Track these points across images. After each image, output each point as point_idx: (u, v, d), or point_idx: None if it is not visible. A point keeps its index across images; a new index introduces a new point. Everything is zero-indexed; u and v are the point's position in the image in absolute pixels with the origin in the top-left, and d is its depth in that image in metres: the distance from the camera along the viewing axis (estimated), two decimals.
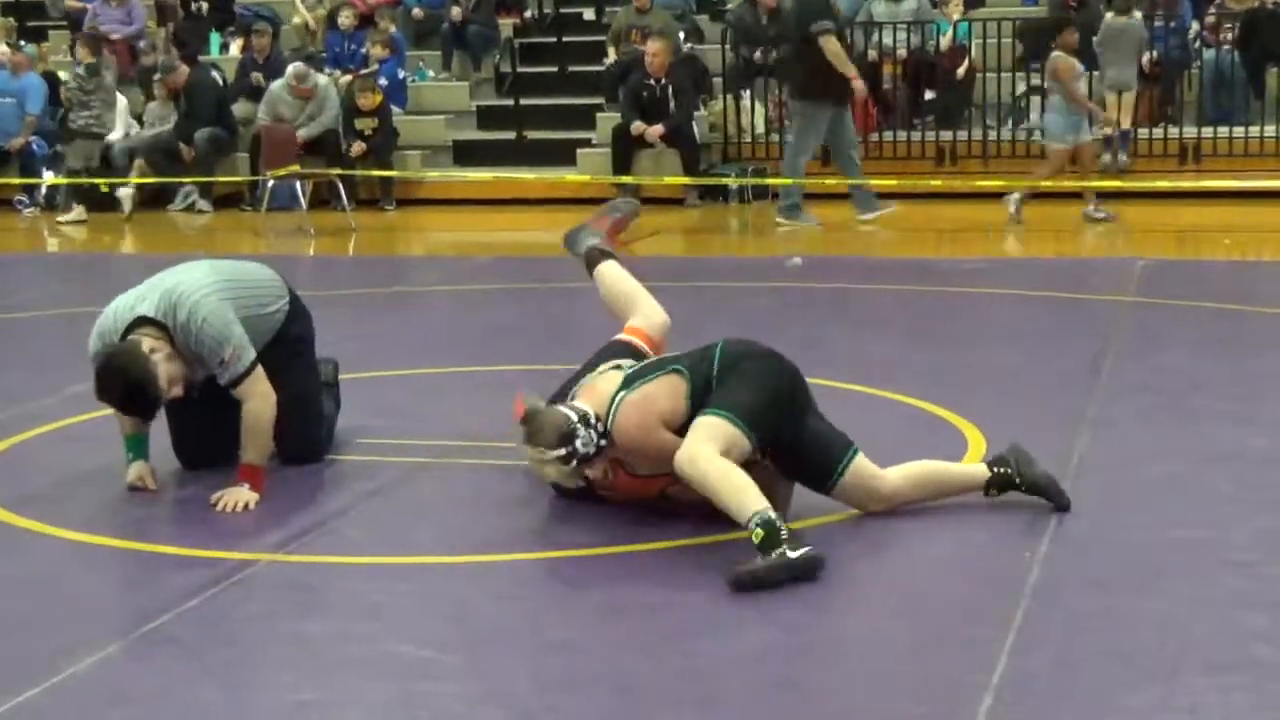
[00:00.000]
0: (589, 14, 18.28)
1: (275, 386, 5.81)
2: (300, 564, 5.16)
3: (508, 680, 4.23)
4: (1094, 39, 14.85)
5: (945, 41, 15.93)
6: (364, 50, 17.04)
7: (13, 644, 4.50)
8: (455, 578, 5.06)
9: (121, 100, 16.43)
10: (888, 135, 15.46)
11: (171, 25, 18.16)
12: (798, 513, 5.25)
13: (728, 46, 16.07)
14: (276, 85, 15.57)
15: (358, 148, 15.46)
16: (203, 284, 5.77)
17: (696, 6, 17.74)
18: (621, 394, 5.25)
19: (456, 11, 17.45)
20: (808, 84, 13.19)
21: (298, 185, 14.92)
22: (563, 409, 5.22)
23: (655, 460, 5.25)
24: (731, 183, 15.16)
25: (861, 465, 5.29)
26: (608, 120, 15.74)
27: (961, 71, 15.76)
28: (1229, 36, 15.50)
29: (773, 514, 4.80)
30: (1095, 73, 14.98)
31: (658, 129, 15.04)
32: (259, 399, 5.75)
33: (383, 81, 16.14)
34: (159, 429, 6.02)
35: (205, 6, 18.52)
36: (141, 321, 5.67)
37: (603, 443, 5.17)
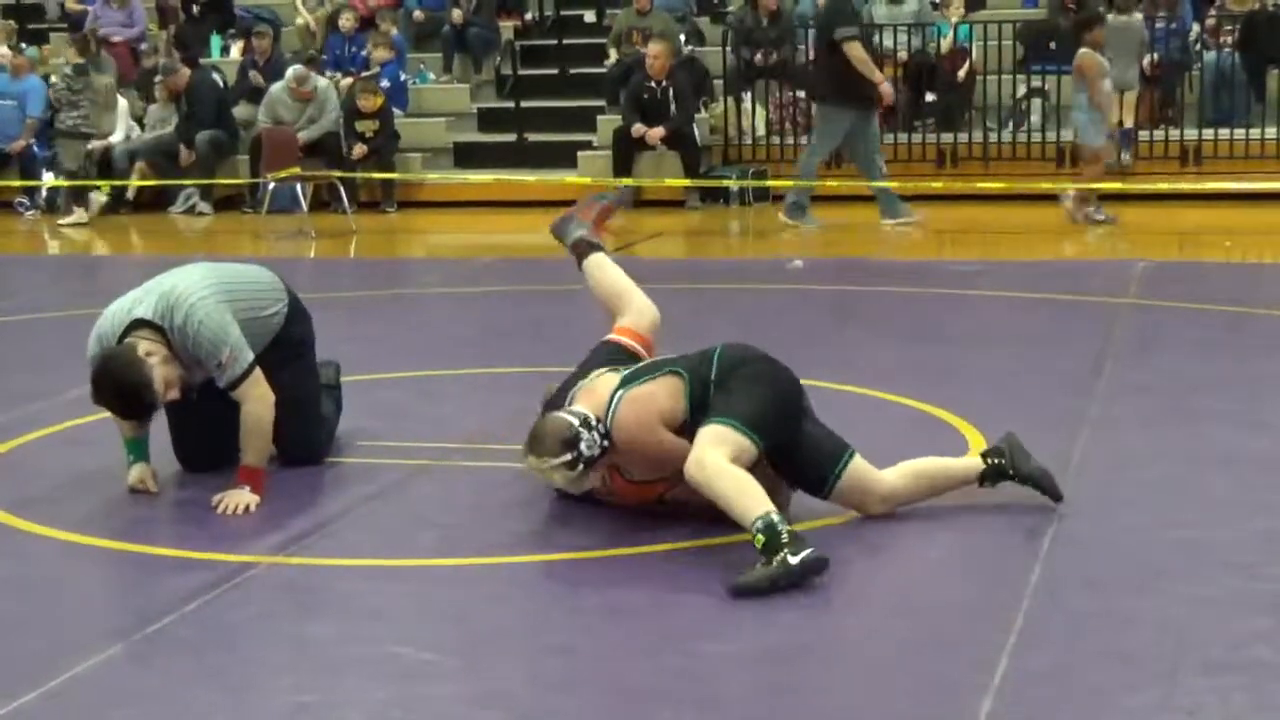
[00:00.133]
0: (590, 16, 18.30)
1: (275, 389, 5.81)
2: (300, 566, 5.16)
3: (507, 682, 4.23)
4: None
5: (945, 44, 15.93)
6: (365, 53, 17.04)
7: (12, 646, 4.50)
8: (455, 580, 5.06)
9: (122, 103, 16.44)
10: (888, 138, 15.43)
11: (173, 27, 18.17)
12: (797, 515, 5.24)
13: (728, 49, 16.08)
14: (276, 88, 15.57)
15: (359, 150, 15.47)
16: (200, 286, 5.77)
17: (697, 9, 17.75)
18: (620, 391, 5.25)
19: (457, 14, 17.46)
20: (830, 88, 13.20)
21: (298, 187, 14.92)
22: (563, 415, 5.21)
23: (653, 459, 5.24)
24: (732, 185, 15.16)
25: (858, 468, 5.28)
26: (608, 122, 15.75)
27: (962, 74, 15.76)
28: (1230, 40, 15.50)
29: (776, 518, 4.78)
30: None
31: (658, 131, 15.05)
32: (257, 401, 5.75)
33: (384, 84, 16.15)
34: (159, 430, 6.02)
35: (200, 8, 18.52)
36: (138, 324, 5.67)
37: (605, 443, 5.17)
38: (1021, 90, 15.68)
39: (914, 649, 4.34)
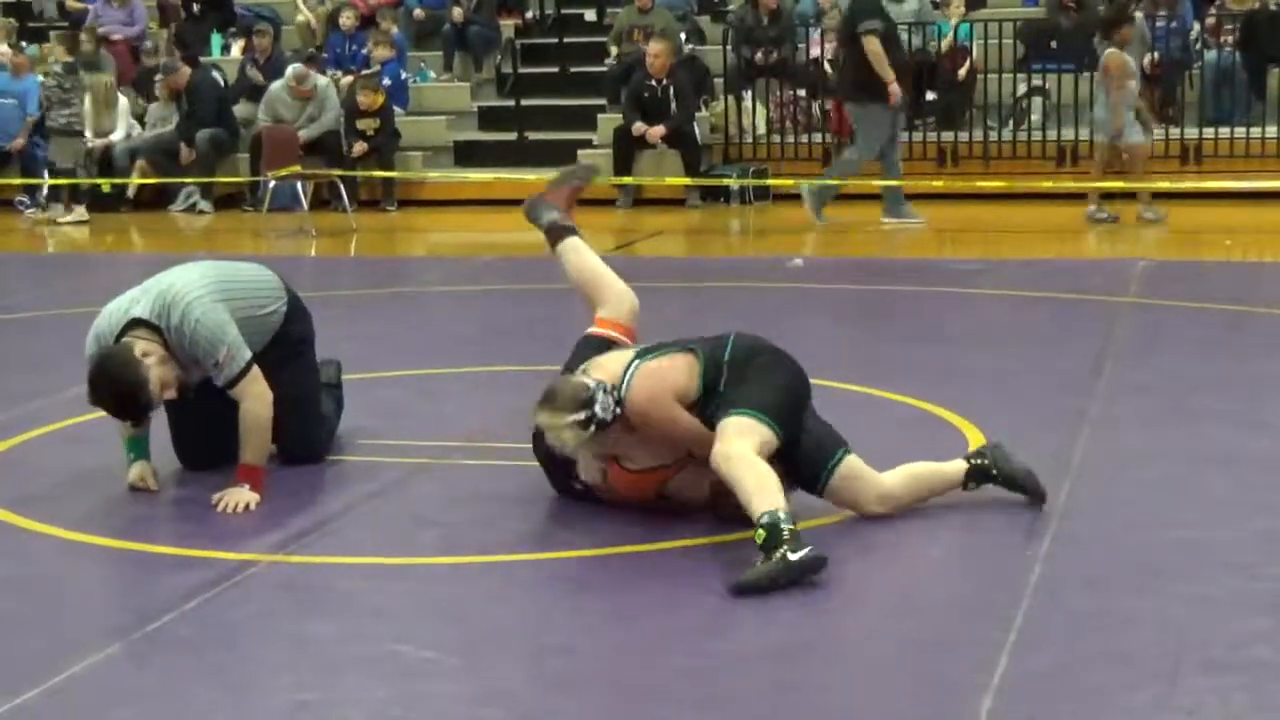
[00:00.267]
0: (590, 15, 18.29)
1: (274, 387, 5.81)
2: (300, 565, 5.15)
3: (508, 681, 4.22)
4: (1095, 37, 14.85)
5: (946, 43, 15.92)
6: (365, 51, 17.04)
7: (12, 644, 4.50)
8: (455, 578, 5.06)
9: (123, 101, 16.44)
10: None
11: (173, 26, 18.17)
12: (798, 513, 5.24)
13: (729, 47, 16.08)
14: (276, 86, 15.57)
15: (359, 148, 15.47)
16: (197, 285, 5.76)
17: (698, 7, 17.74)
18: (636, 363, 5.26)
19: (458, 12, 17.46)
20: (859, 86, 13.14)
21: (299, 186, 14.92)
22: (579, 377, 5.23)
23: (662, 436, 5.23)
24: (732, 183, 15.16)
25: (850, 466, 5.28)
26: (609, 121, 15.75)
27: (962, 72, 15.76)
28: (1230, 41, 15.50)
29: (782, 515, 4.79)
30: (1098, 73, 14.99)
31: (659, 130, 15.05)
32: (256, 399, 5.75)
33: (385, 82, 16.15)
34: (159, 428, 6.02)
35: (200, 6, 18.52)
36: (136, 324, 5.67)
37: (618, 410, 5.16)
38: (1022, 89, 15.68)
39: (914, 648, 4.34)
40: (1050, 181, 14.18)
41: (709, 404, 5.20)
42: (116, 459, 5.98)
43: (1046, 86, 15.60)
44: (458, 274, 11.75)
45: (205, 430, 6.04)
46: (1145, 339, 8.48)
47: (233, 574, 5.01)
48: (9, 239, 14.91)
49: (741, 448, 4.98)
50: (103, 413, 5.88)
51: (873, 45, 12.96)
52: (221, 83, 16.67)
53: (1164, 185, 13.29)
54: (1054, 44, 15.72)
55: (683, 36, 16.39)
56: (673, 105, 15.14)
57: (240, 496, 5.66)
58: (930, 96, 15.86)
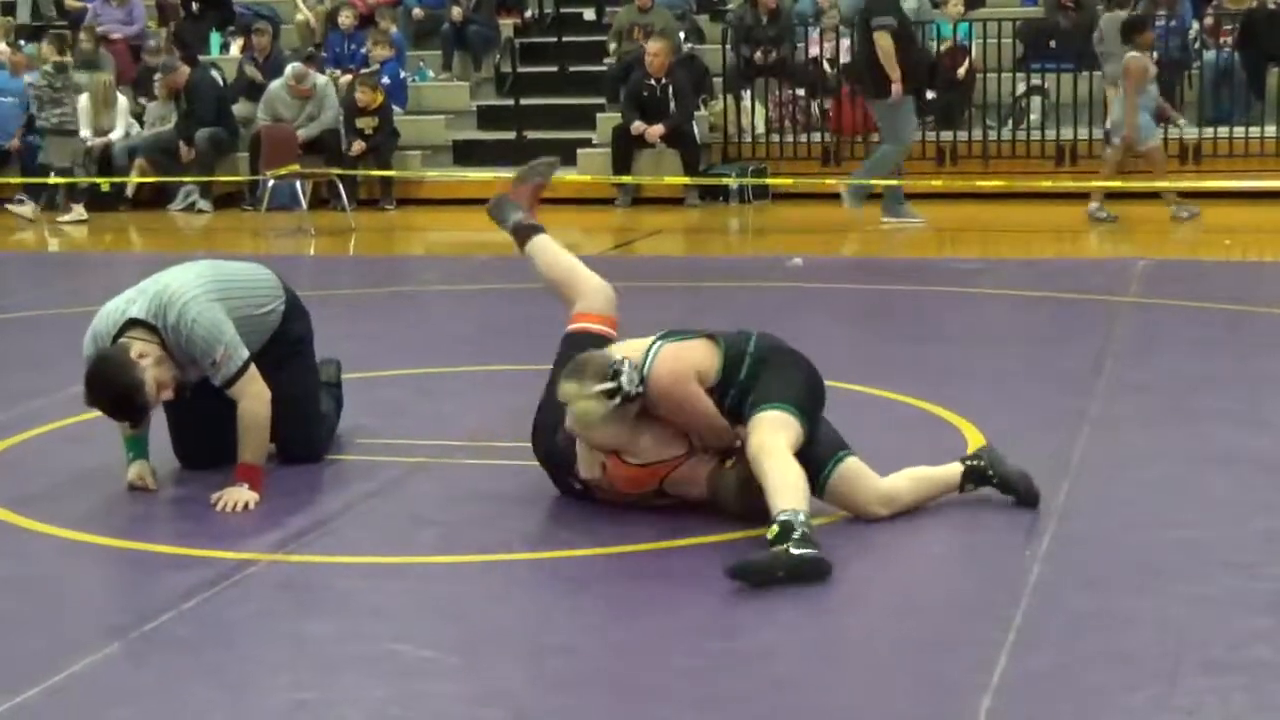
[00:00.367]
0: (589, 14, 18.29)
1: (273, 386, 5.80)
2: (299, 564, 5.15)
3: (507, 680, 4.22)
4: (1094, 37, 14.86)
5: (945, 42, 15.92)
6: (364, 50, 17.04)
7: (11, 644, 4.49)
8: (454, 578, 5.05)
9: (122, 100, 16.44)
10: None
11: (172, 25, 18.16)
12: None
13: (728, 46, 16.08)
14: (275, 85, 15.57)
15: (358, 146, 15.47)
16: (193, 285, 5.76)
17: (697, 6, 17.74)
18: (658, 344, 5.30)
19: (457, 11, 17.46)
20: (878, 81, 13.10)
21: (298, 185, 14.91)
22: (604, 352, 5.25)
23: (682, 416, 5.24)
24: (731, 183, 15.16)
25: (849, 469, 5.27)
26: (608, 120, 15.75)
27: (961, 72, 15.76)
28: (1229, 40, 15.49)
29: (800, 516, 4.79)
30: (1098, 72, 14.99)
31: (658, 129, 15.05)
32: (253, 398, 5.75)
33: (384, 81, 16.15)
34: (159, 428, 6.02)
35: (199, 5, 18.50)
36: (132, 324, 5.66)
37: (641, 388, 5.17)
38: (1021, 88, 15.67)
39: (914, 648, 4.34)
40: (1049, 181, 14.18)
41: (727, 393, 5.24)
42: (116, 458, 5.98)
43: (1045, 86, 15.61)
44: (456, 273, 11.74)
45: (204, 429, 6.03)
46: (1145, 338, 8.48)
47: (231, 573, 5.00)
48: (8, 238, 14.89)
49: (779, 443, 5.02)
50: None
51: (884, 42, 12.94)
52: (220, 82, 16.67)
53: (1164, 185, 13.28)
54: (1053, 43, 15.72)
55: (682, 35, 16.38)
56: (672, 104, 15.13)
57: (239, 496, 5.65)
58: (930, 95, 15.85)
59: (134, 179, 15.94)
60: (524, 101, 16.68)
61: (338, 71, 16.72)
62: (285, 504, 5.71)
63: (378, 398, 7.23)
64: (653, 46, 15.21)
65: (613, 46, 16.69)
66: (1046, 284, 10.17)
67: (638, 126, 15.08)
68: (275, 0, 18.62)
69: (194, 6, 18.51)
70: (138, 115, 16.61)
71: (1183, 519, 5.30)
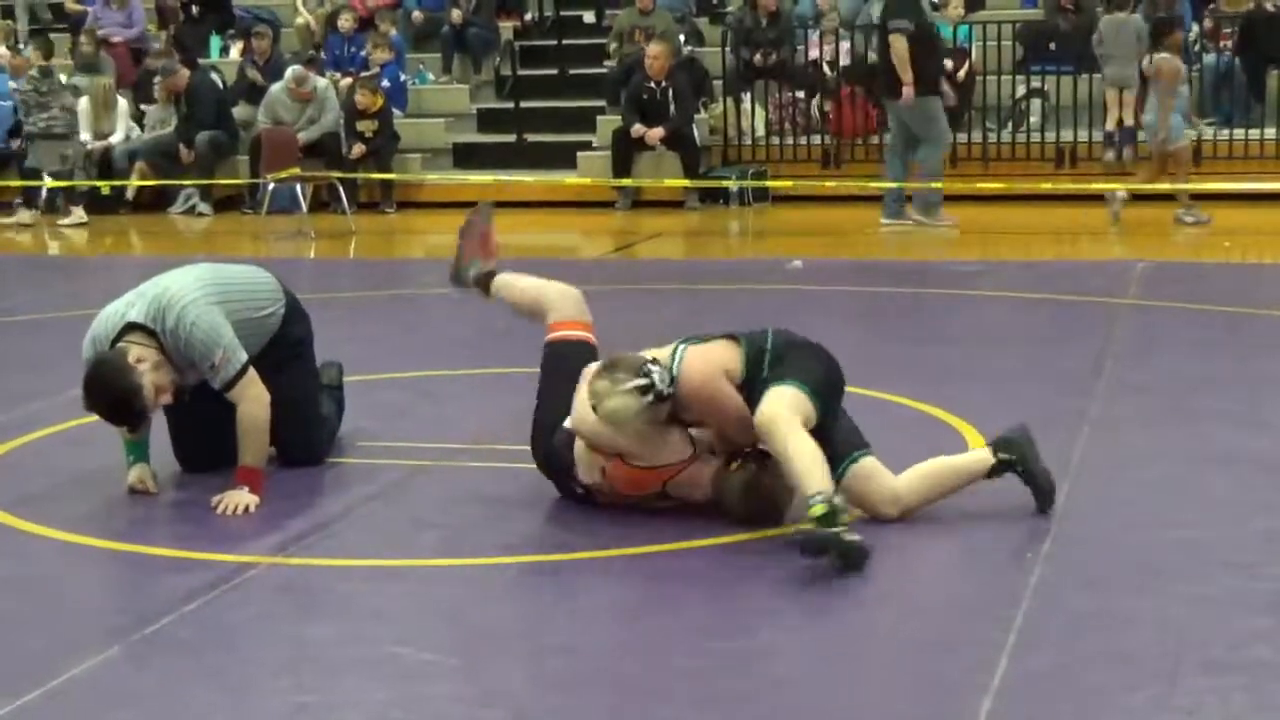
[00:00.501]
0: (589, 17, 18.29)
1: (273, 389, 5.80)
2: (300, 567, 5.15)
3: (508, 682, 4.22)
4: (1093, 38, 14.86)
5: (945, 44, 15.91)
6: (364, 53, 17.04)
7: (11, 646, 4.50)
8: (455, 580, 5.06)
9: (122, 103, 16.44)
10: (887, 138, 15.42)
11: (172, 28, 18.16)
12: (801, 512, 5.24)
13: (728, 49, 16.08)
14: (275, 88, 15.58)
15: (358, 149, 15.47)
16: (192, 289, 5.76)
17: (697, 9, 17.74)
18: (684, 346, 5.34)
19: (456, 14, 17.45)
20: (899, 84, 13.04)
21: (298, 188, 14.91)
22: (634, 354, 5.29)
23: (712, 414, 5.26)
24: (731, 185, 15.16)
25: (864, 467, 5.28)
26: (608, 123, 15.75)
27: (961, 74, 15.74)
28: (1229, 43, 15.49)
29: (838, 499, 4.85)
30: (1097, 74, 15.00)
31: (658, 132, 15.05)
32: (253, 401, 5.75)
33: (384, 84, 16.15)
34: (159, 431, 6.02)
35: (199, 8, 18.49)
36: (131, 328, 5.67)
37: (671, 389, 5.20)
38: (1021, 91, 15.67)
39: (914, 648, 4.34)
40: (1049, 183, 14.18)
41: (752, 389, 5.25)
42: (116, 461, 5.98)
43: (1045, 88, 15.60)
44: None
45: (204, 432, 6.03)
46: (1145, 340, 8.48)
47: (232, 576, 5.01)
48: (7, 240, 14.89)
49: (788, 415, 5.05)
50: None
51: (898, 45, 12.87)
52: (220, 85, 16.67)
53: (1164, 187, 13.28)
54: (1053, 46, 15.71)
55: (682, 38, 16.39)
56: (672, 107, 15.14)
57: (239, 499, 5.66)
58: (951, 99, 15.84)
59: (134, 182, 15.94)
60: (524, 104, 16.68)
61: (338, 74, 16.72)
62: (286, 507, 5.71)
63: (378, 400, 7.23)
64: (653, 49, 15.21)
65: (613, 49, 16.69)
66: (1046, 286, 10.18)
67: (638, 129, 15.08)
68: (275, 3, 18.62)
69: (194, 9, 18.50)
70: (138, 118, 16.61)
71: (1183, 519, 5.31)
